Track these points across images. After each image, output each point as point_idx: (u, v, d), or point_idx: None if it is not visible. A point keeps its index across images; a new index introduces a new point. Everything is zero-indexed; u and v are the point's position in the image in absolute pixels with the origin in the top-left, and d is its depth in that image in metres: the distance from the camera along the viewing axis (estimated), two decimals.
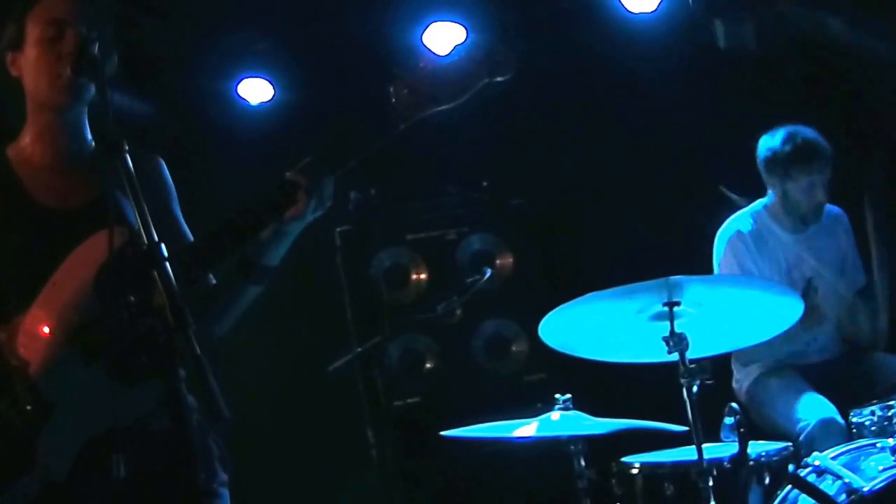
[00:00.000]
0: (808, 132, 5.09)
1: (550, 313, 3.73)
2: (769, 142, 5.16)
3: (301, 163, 2.83)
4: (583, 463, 3.97)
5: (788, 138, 5.09)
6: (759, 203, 5.28)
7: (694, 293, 3.68)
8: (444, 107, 2.82)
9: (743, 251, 5.15)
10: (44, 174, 2.95)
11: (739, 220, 5.24)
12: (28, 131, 2.99)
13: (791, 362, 5.16)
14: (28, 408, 2.72)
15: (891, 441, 3.85)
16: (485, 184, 6.19)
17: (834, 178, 5.14)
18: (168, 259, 2.37)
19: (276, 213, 2.80)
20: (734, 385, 5.28)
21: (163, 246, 2.39)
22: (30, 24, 2.90)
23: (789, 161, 5.05)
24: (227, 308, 2.97)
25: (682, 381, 3.59)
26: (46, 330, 2.75)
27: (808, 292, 4.78)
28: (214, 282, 3.00)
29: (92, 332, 2.72)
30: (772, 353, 5.09)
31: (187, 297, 2.36)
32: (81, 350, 2.72)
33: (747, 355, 5.15)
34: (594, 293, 3.64)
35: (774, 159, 5.12)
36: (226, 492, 2.96)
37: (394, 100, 2.81)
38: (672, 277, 3.60)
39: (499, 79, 2.81)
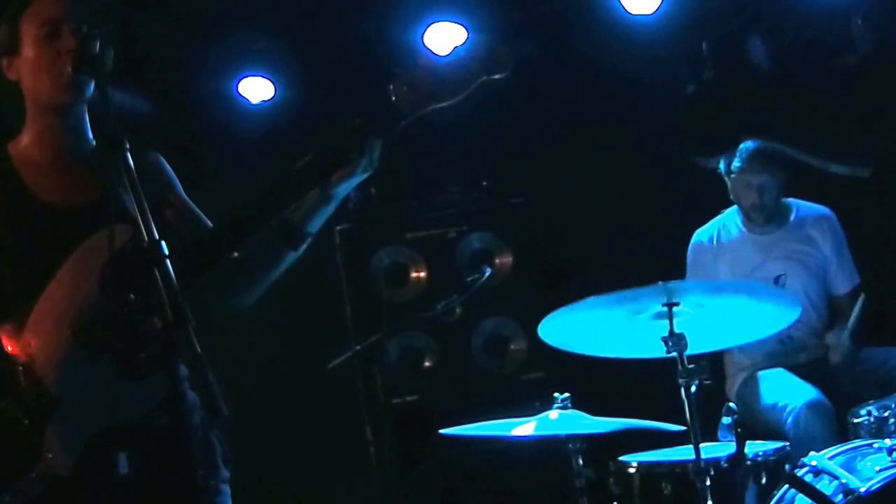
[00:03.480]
0: (757, 141, 5.31)
1: (548, 316, 3.74)
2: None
3: (352, 123, 2.85)
4: (581, 462, 3.98)
5: (737, 148, 5.33)
6: (734, 208, 5.40)
7: (693, 297, 3.69)
8: (443, 104, 2.84)
9: (697, 261, 5.38)
10: (46, 172, 2.95)
11: (705, 230, 5.44)
12: (28, 131, 2.98)
13: (779, 363, 5.18)
14: (33, 403, 2.73)
15: (888, 441, 3.85)
16: (484, 183, 6.20)
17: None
18: (169, 256, 2.39)
19: (326, 174, 2.83)
20: (727, 386, 5.31)
21: (163, 244, 2.40)
22: (24, 25, 2.89)
23: (728, 162, 5.32)
24: (262, 276, 2.98)
25: (681, 381, 3.61)
26: (52, 326, 2.76)
27: None
28: (237, 255, 2.99)
29: (97, 328, 2.73)
30: (750, 354, 5.18)
31: (188, 287, 2.37)
32: (87, 346, 2.74)
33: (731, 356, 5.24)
34: (592, 298, 3.65)
35: (724, 162, 5.37)
36: (227, 488, 2.97)
37: (394, 98, 2.83)
38: (670, 283, 3.61)
39: (497, 76, 2.83)
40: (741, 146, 5.30)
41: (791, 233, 5.33)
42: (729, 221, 5.41)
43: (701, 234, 5.43)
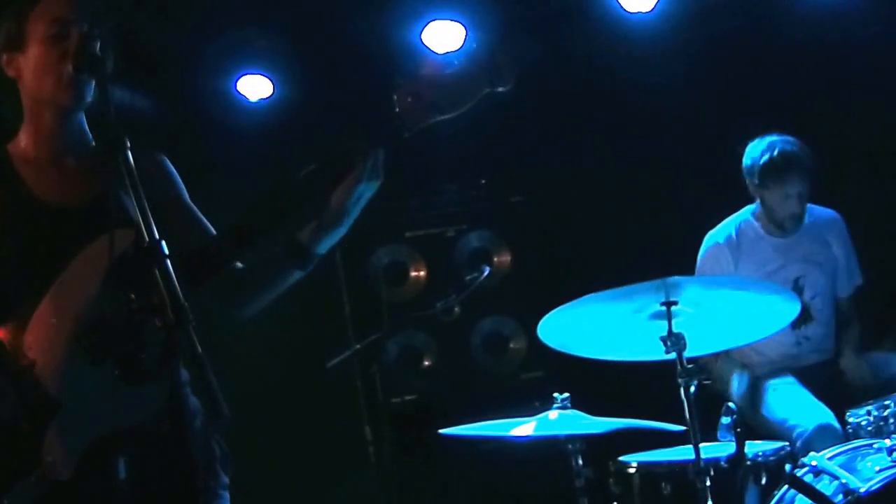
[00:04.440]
0: (787, 144, 5.20)
1: (548, 315, 3.74)
2: (750, 151, 5.29)
3: (343, 144, 2.84)
4: (580, 462, 3.98)
5: (766, 150, 5.21)
6: (747, 209, 5.36)
7: (691, 293, 3.69)
8: (446, 115, 2.84)
9: (717, 262, 5.28)
10: (45, 172, 2.94)
11: (720, 231, 5.36)
12: (27, 130, 2.97)
13: (786, 364, 5.18)
14: (34, 407, 2.72)
15: (887, 441, 3.85)
16: (483, 181, 6.19)
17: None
18: (169, 256, 2.38)
19: (328, 187, 2.82)
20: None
21: (163, 243, 2.39)
22: (32, 23, 2.88)
23: (764, 172, 5.19)
24: (266, 290, 2.98)
25: (680, 380, 3.60)
26: (54, 329, 2.75)
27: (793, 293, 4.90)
28: (240, 266, 2.98)
29: (99, 332, 2.72)
30: (764, 353, 5.13)
31: (188, 295, 2.37)
32: (88, 350, 2.72)
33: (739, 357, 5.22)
34: (592, 294, 3.65)
35: (752, 169, 5.25)
36: (226, 494, 2.97)
37: (398, 109, 2.82)
38: (670, 278, 3.61)
39: (500, 89, 2.83)
40: (769, 153, 5.17)
41: (807, 235, 5.30)
42: (744, 223, 5.34)
43: (717, 236, 5.34)
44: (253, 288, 2.98)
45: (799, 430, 4.76)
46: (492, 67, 2.80)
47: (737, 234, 5.32)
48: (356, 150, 2.83)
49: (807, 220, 5.32)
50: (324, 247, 2.92)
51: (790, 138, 5.21)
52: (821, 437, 4.66)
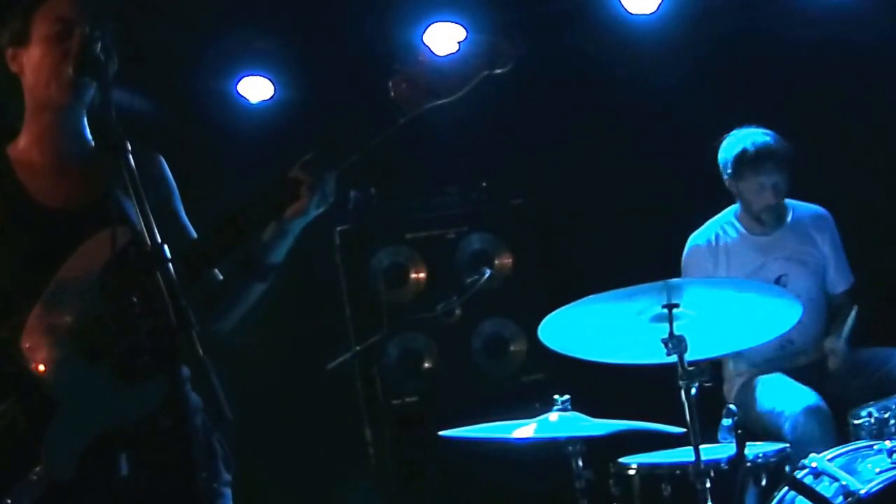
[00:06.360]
0: (760, 135, 5.21)
1: (549, 315, 3.74)
2: (724, 145, 5.31)
3: (302, 159, 2.83)
4: (581, 463, 3.98)
5: (738, 141, 5.24)
6: (730, 209, 5.36)
7: (693, 296, 3.69)
8: (443, 100, 2.80)
9: (697, 265, 5.28)
10: (44, 174, 2.94)
11: (701, 233, 5.37)
12: (27, 131, 2.97)
13: (779, 366, 5.17)
14: (32, 406, 2.72)
15: (888, 443, 3.86)
16: (484, 184, 6.19)
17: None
18: (171, 259, 2.38)
19: (279, 210, 2.80)
20: (724, 390, 5.29)
21: (165, 247, 2.39)
22: (37, 21, 2.88)
23: (738, 163, 5.20)
24: (232, 305, 2.97)
25: (681, 382, 3.61)
26: (51, 328, 2.75)
27: None
28: (220, 277, 3.00)
29: (97, 330, 2.73)
30: (749, 359, 5.14)
31: (191, 296, 2.37)
32: (86, 349, 2.73)
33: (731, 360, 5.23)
34: (593, 296, 3.65)
35: (726, 162, 5.26)
36: (228, 491, 2.97)
37: (393, 94, 2.78)
38: (671, 280, 3.62)
39: (498, 71, 2.79)
40: (742, 144, 5.19)
41: (790, 232, 5.30)
42: (726, 223, 5.34)
43: (698, 238, 5.35)
44: (221, 304, 2.96)
45: (787, 413, 4.77)
46: (490, 49, 2.77)
47: (716, 236, 5.32)
48: (297, 182, 2.78)
49: (791, 217, 5.31)
50: (276, 257, 2.90)
51: (765, 130, 5.23)
52: (809, 419, 4.69)
